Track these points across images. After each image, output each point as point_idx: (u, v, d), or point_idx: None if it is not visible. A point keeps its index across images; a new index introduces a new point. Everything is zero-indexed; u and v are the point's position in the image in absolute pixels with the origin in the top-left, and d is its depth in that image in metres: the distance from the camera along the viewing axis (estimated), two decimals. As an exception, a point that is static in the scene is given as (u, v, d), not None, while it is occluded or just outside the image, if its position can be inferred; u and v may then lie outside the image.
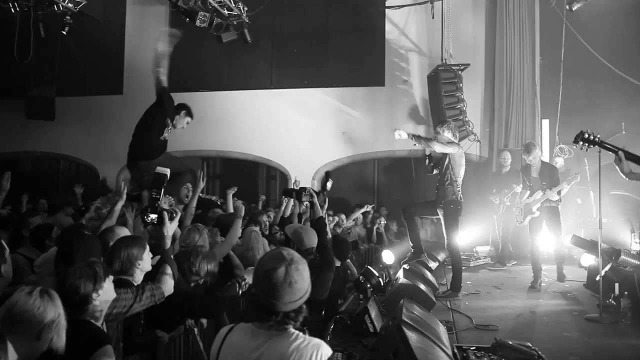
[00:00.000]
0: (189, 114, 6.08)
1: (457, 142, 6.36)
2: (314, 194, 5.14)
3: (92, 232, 4.06)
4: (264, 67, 12.19)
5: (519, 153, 9.55)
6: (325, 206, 5.33)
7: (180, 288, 3.45)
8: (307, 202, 5.38)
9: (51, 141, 12.76)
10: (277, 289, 1.97)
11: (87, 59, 12.45)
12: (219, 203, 7.41)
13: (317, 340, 2.01)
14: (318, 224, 4.71)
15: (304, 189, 5.25)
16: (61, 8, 10.06)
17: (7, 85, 12.62)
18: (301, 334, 2.02)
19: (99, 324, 2.61)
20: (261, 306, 2.02)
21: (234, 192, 7.01)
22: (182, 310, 3.63)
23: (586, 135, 4.96)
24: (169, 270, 3.24)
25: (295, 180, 8.27)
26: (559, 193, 6.78)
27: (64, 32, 10.38)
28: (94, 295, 2.54)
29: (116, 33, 12.45)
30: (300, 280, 2.01)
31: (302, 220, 7.01)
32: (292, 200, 7.20)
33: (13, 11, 10.08)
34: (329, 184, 5.64)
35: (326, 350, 1.99)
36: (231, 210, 6.63)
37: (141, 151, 5.87)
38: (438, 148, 6.04)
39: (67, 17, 10.25)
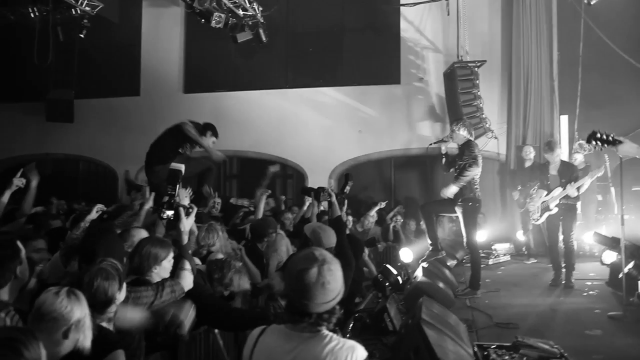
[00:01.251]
0: (215, 134, 6.21)
1: (472, 138, 6.32)
2: (332, 193, 5.14)
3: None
4: (279, 67, 12.20)
5: (538, 148, 9.48)
6: (344, 208, 5.30)
7: (203, 294, 3.46)
8: (326, 202, 5.37)
9: (71, 143, 12.92)
10: (309, 290, 1.93)
11: (105, 61, 12.60)
12: (251, 209, 7.41)
13: (351, 342, 1.97)
14: (337, 223, 4.70)
15: (322, 188, 5.23)
16: (79, 12, 10.24)
17: (27, 89, 12.81)
18: (335, 335, 1.98)
19: (110, 326, 2.62)
20: (294, 308, 1.98)
21: (267, 194, 7.00)
22: (208, 320, 3.62)
23: (598, 135, 4.88)
24: (187, 265, 3.25)
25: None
26: (578, 189, 6.62)
27: (82, 35, 10.55)
28: (118, 296, 2.57)
29: (133, 35, 12.55)
30: (333, 281, 1.97)
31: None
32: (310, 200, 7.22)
33: (32, 16, 10.26)
34: (347, 187, 5.61)
35: (361, 352, 1.95)
36: (261, 213, 6.64)
37: (155, 157, 5.95)
38: (478, 170, 6.04)
39: (85, 21, 10.43)
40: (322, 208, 7.12)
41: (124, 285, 2.68)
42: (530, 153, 8.98)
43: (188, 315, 3.30)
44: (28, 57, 10.46)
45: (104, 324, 2.57)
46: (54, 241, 4.82)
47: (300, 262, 2.01)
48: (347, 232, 7.43)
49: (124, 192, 11.12)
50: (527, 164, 8.97)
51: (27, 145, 13.12)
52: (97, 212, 4.85)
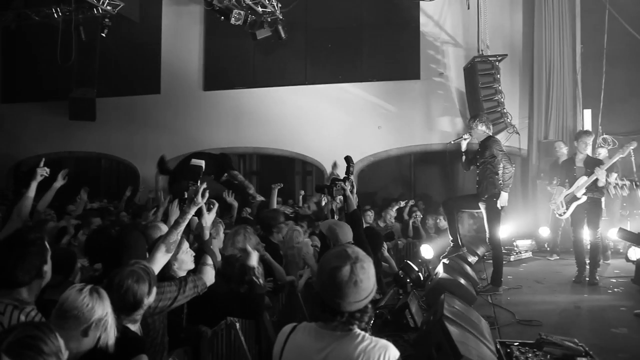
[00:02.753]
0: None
1: (491, 133, 6.24)
2: (346, 187, 5.12)
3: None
4: (298, 63, 12.21)
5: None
6: (354, 190, 5.28)
7: (219, 290, 3.48)
8: (341, 196, 5.35)
9: (93, 141, 13.12)
10: (342, 288, 1.89)
11: (126, 59, 12.76)
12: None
13: (384, 342, 1.94)
14: (353, 217, 4.68)
15: (334, 183, 5.21)
16: (100, 11, 10.39)
17: (51, 88, 13.03)
18: (367, 334, 1.95)
19: (136, 327, 2.62)
20: (325, 306, 1.95)
21: (279, 187, 7.03)
22: (224, 311, 3.66)
23: None
24: (209, 260, 3.27)
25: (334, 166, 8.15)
26: (608, 176, 6.45)
27: (103, 35, 10.70)
28: (146, 300, 2.57)
29: (153, 33, 12.69)
30: (366, 279, 1.93)
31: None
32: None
33: (56, 16, 10.44)
34: (351, 169, 5.55)
35: (394, 352, 1.92)
36: (274, 206, 6.68)
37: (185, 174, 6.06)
38: (512, 167, 6.01)
39: (106, 20, 10.58)
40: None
41: (155, 289, 2.67)
42: (562, 148, 8.75)
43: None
44: (51, 56, 10.63)
45: (130, 326, 2.56)
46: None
47: (333, 259, 1.97)
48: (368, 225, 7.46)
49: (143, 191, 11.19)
50: (562, 159, 8.75)
51: (51, 144, 13.35)
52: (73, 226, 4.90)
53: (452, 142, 6.76)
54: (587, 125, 9.77)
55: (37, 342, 1.65)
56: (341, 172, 8.57)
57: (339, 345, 1.93)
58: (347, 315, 1.92)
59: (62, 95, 12.55)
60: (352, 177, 5.41)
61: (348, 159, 5.56)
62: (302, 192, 10.12)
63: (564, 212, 6.69)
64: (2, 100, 14.19)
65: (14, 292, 2.46)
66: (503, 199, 5.94)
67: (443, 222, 8.80)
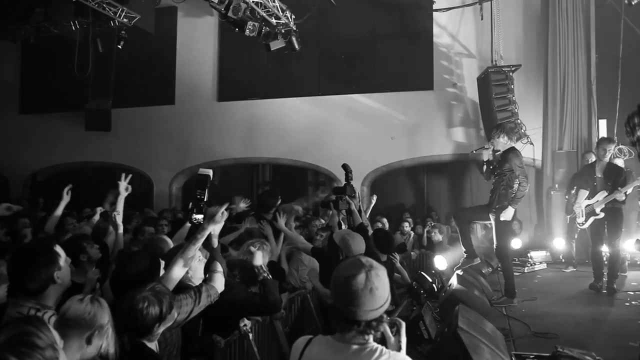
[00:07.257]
0: None
1: (514, 144, 6.21)
2: (351, 201, 5.11)
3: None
4: (311, 74, 12.27)
5: (576, 154, 9.24)
6: (357, 195, 5.28)
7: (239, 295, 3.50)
8: (345, 210, 5.34)
9: (108, 151, 13.25)
10: (357, 296, 1.89)
11: (141, 71, 12.92)
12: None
13: (402, 356, 1.94)
14: (359, 231, 4.67)
15: (340, 197, 5.20)
16: (117, 23, 10.55)
17: (67, 99, 13.21)
18: (385, 348, 1.93)
19: (153, 345, 2.59)
20: (341, 316, 1.93)
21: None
22: (245, 312, 3.69)
23: None
24: (219, 268, 3.26)
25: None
26: (625, 193, 6.39)
27: (120, 46, 10.86)
28: (156, 327, 2.51)
29: (168, 45, 12.84)
30: (381, 287, 1.93)
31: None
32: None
33: (74, 29, 10.63)
34: (350, 174, 5.52)
35: None
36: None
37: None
38: (527, 183, 5.95)
39: (123, 32, 10.74)
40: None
41: (173, 312, 2.60)
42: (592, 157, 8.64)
43: None
44: (69, 68, 10.80)
45: (145, 342, 2.52)
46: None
47: (348, 268, 1.96)
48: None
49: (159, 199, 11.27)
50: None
51: (67, 154, 13.53)
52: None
53: (474, 152, 6.75)
54: (603, 136, 9.67)
55: (31, 338, 1.60)
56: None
57: (357, 359, 1.91)
58: (363, 325, 1.91)
59: (78, 106, 12.69)
60: (352, 182, 5.41)
61: (345, 167, 5.55)
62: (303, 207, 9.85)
63: (583, 223, 6.64)
64: (20, 111, 14.42)
65: (34, 299, 2.52)
66: (508, 213, 5.90)
67: (438, 236, 8.68)
